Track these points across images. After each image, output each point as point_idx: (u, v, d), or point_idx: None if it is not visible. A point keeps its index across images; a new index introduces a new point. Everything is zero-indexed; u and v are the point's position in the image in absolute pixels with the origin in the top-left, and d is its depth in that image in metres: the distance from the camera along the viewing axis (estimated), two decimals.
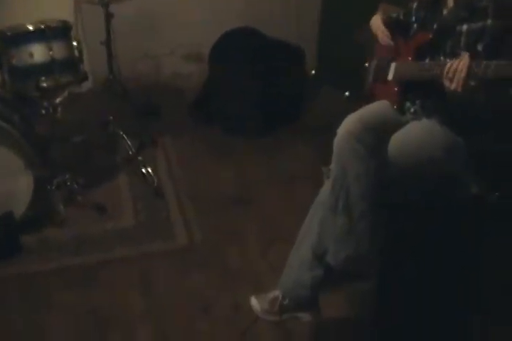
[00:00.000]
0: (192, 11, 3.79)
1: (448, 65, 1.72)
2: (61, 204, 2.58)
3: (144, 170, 2.85)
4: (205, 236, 2.53)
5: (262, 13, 3.89)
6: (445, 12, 1.96)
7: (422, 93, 2.01)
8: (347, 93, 2.49)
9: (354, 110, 2.09)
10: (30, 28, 2.46)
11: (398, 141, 1.93)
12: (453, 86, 1.71)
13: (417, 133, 1.95)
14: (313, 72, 3.50)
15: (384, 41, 2.17)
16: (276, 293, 2.02)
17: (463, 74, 1.67)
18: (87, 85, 3.38)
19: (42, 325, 2.08)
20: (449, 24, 1.91)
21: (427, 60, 1.97)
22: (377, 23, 2.21)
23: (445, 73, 1.72)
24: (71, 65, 2.55)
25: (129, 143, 2.95)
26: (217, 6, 3.81)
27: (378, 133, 1.93)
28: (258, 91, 3.32)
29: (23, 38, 2.46)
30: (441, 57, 1.93)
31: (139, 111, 3.31)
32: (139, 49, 3.85)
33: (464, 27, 1.85)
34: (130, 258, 2.40)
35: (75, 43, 2.57)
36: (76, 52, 2.58)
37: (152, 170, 2.86)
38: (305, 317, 2.01)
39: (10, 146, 2.38)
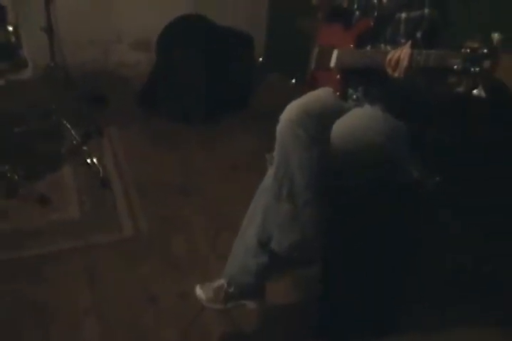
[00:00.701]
0: None
1: (390, 54, 1.73)
2: (2, 196, 2.51)
3: (89, 161, 2.79)
4: (152, 227, 2.50)
5: (211, 1, 3.83)
6: (385, 0, 1.97)
7: (364, 80, 2.03)
8: (293, 80, 2.49)
9: (298, 97, 2.09)
10: None
11: (341, 127, 1.94)
12: (396, 74, 1.73)
13: (359, 120, 1.97)
14: (261, 59, 3.48)
15: None
16: (221, 281, 2.01)
17: (405, 63, 1.68)
18: (27, 73, 3.28)
19: None
20: (389, 11, 1.93)
21: (369, 48, 1.98)
22: None
23: (387, 61, 1.74)
24: (7, 50, 2.46)
25: (73, 132, 2.88)
26: None
27: (321, 120, 1.94)
28: (205, 79, 3.30)
29: None
30: (382, 45, 1.95)
31: (84, 100, 3.23)
32: (84, 35, 3.74)
33: (403, 15, 1.88)
34: (75, 250, 2.35)
35: (10, 28, 2.48)
36: (13, 37, 2.49)
37: (97, 160, 2.81)
38: (250, 304, 2.01)
39: None
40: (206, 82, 3.31)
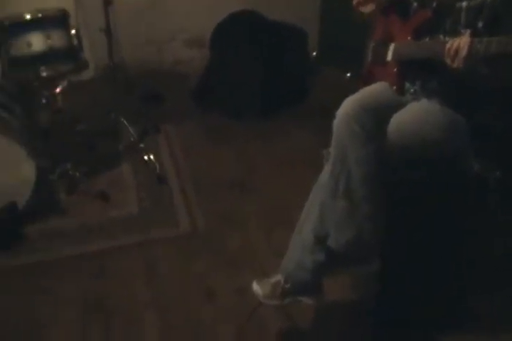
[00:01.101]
0: None
1: (449, 43, 1.69)
2: (64, 193, 2.59)
3: (146, 157, 2.85)
4: (208, 222, 2.53)
5: None
6: None
7: (421, 73, 1.98)
8: (348, 74, 2.46)
9: (355, 91, 2.07)
10: (28, 17, 2.45)
11: (398, 122, 1.91)
12: (455, 64, 1.68)
13: (416, 114, 1.93)
14: (314, 53, 3.46)
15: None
16: (278, 277, 2.00)
17: (465, 52, 1.64)
18: (88, 73, 3.38)
19: (45, 315, 2.09)
20: (448, 2, 1.87)
21: (427, 39, 1.94)
22: None
23: (446, 51, 1.70)
24: (70, 53, 2.54)
25: (131, 130, 2.95)
26: None
27: (377, 115, 1.90)
28: (259, 74, 3.31)
29: (21, 27, 2.46)
30: (441, 36, 1.89)
31: (141, 98, 3.30)
32: (141, 35, 3.83)
33: (464, 4, 1.82)
34: (134, 246, 2.40)
35: (73, 31, 2.56)
36: (75, 41, 2.56)
37: (154, 156, 2.86)
38: (307, 300, 2.00)
39: (11, 136, 2.37)
40: (261, 78, 3.31)
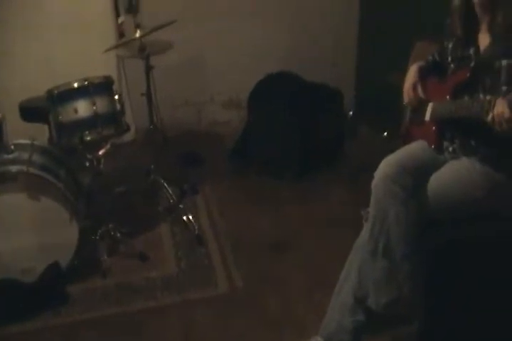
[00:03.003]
0: (230, 59, 3.90)
1: (489, 116, 1.70)
2: (105, 253, 2.63)
3: (185, 218, 2.88)
4: (247, 283, 2.51)
5: (300, 58, 3.96)
6: (482, 49, 1.95)
7: (460, 132, 1.99)
8: (385, 133, 2.48)
9: (392, 151, 2.08)
10: (75, 85, 2.57)
11: (438, 181, 1.91)
12: (504, 127, 1.69)
13: (456, 173, 1.93)
14: (351, 113, 3.51)
15: (407, 93, 2.16)
16: (319, 338, 1.98)
17: (507, 116, 1.65)
18: (129, 136, 3.48)
19: None
20: (487, 61, 1.90)
21: (466, 98, 1.95)
22: (411, 73, 2.19)
23: (490, 121, 1.71)
24: (113, 118, 2.63)
25: (170, 191, 2.99)
26: (256, 52, 3.91)
27: (417, 174, 1.91)
28: (297, 135, 3.35)
29: (69, 95, 2.55)
30: (481, 94, 1.90)
31: (180, 159, 3.37)
32: (180, 97, 3.98)
33: (504, 62, 1.83)
34: (173, 306, 2.40)
35: (116, 97, 2.66)
36: (118, 106, 2.66)
37: (193, 217, 2.89)
38: None
39: (56, 199, 2.45)
40: (298, 139, 3.35)
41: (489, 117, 1.71)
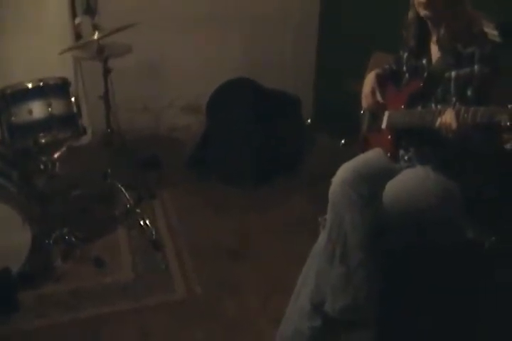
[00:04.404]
0: (190, 63, 3.88)
1: (437, 122, 1.75)
2: (59, 259, 2.57)
3: (142, 223, 2.85)
4: (204, 288, 2.50)
5: (259, 64, 3.98)
6: (434, 60, 2.00)
7: (415, 140, 2.04)
8: (343, 141, 2.52)
9: (350, 158, 2.11)
10: (29, 85, 2.51)
11: (393, 188, 1.95)
12: (449, 135, 1.74)
13: (411, 181, 1.97)
14: (309, 120, 3.54)
15: (366, 99, 2.20)
16: None
17: (454, 125, 1.70)
18: (85, 139, 3.42)
19: None
20: (438, 71, 1.96)
21: (419, 108, 2.00)
22: (369, 79, 2.23)
23: (439, 127, 1.75)
24: (69, 120, 2.59)
25: (127, 195, 2.96)
26: (215, 57, 3.92)
27: (373, 181, 1.95)
28: (255, 142, 3.36)
29: (22, 95, 2.51)
30: (433, 104, 1.97)
31: (138, 163, 3.34)
32: (139, 101, 3.93)
33: (453, 73, 1.90)
34: (129, 313, 2.36)
35: (73, 99, 2.62)
36: (74, 108, 2.62)
37: (150, 222, 2.86)
38: None
39: (8, 202, 2.37)
40: (256, 145, 3.36)
41: (437, 124, 1.75)
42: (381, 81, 2.22)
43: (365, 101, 2.22)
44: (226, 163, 3.43)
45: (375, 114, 2.21)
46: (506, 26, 2.40)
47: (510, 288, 2.00)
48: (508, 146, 1.72)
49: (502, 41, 2.38)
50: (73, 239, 2.63)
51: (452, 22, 1.88)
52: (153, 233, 2.81)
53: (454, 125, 1.69)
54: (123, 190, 2.98)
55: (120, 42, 2.89)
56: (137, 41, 2.98)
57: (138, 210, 2.92)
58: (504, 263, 2.04)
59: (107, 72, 2.89)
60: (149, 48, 3.61)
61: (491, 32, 2.38)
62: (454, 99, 1.89)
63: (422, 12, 1.91)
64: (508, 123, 1.54)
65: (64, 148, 2.72)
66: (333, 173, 2.01)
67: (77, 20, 3.56)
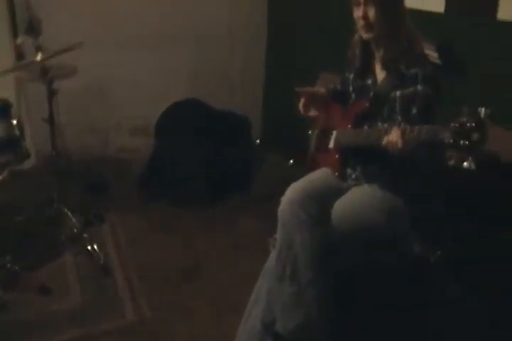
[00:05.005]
0: (136, 84, 3.85)
1: (384, 140, 1.79)
2: (1, 288, 2.47)
3: (89, 248, 2.78)
4: (155, 312, 2.45)
5: (207, 85, 3.99)
6: (379, 80, 2.05)
7: (361, 159, 2.07)
8: (291, 161, 2.54)
9: (298, 178, 2.13)
10: None
11: (341, 207, 1.97)
12: (396, 152, 1.78)
13: (358, 199, 2.00)
14: (258, 141, 3.56)
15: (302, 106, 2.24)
16: None
17: (400, 144, 1.73)
18: (29, 162, 3.33)
19: None
20: (383, 92, 2.00)
21: (366, 127, 2.04)
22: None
23: (384, 146, 1.79)
24: (11, 143, 2.52)
25: (73, 220, 2.88)
26: (163, 78, 3.90)
27: (321, 200, 1.96)
28: (205, 163, 3.36)
29: None
30: (379, 123, 2.00)
31: (85, 186, 3.27)
32: (86, 122, 3.86)
33: (398, 93, 1.95)
34: (78, 340, 2.28)
35: (14, 121, 2.55)
36: (16, 131, 2.55)
37: (98, 247, 2.79)
38: None
39: None
40: (206, 166, 3.36)
41: (383, 143, 1.79)
42: (329, 101, 2.26)
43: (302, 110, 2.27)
44: (175, 184, 3.39)
45: (323, 134, 2.24)
46: (445, 48, 2.50)
47: (459, 303, 2.04)
48: (451, 163, 1.76)
49: (442, 63, 2.48)
50: (16, 268, 2.53)
51: (393, 44, 1.94)
52: (102, 258, 2.74)
53: (400, 143, 1.73)
54: (69, 214, 2.90)
55: (65, 63, 2.84)
56: (83, 62, 2.93)
57: (85, 235, 2.84)
58: (451, 278, 2.08)
59: (51, 94, 2.82)
60: (95, 69, 3.57)
61: (432, 54, 2.47)
62: (399, 117, 1.94)
63: (364, 35, 1.96)
64: (451, 141, 1.58)
65: (6, 172, 2.63)
66: (283, 193, 2.02)
67: (19, 40, 3.48)
